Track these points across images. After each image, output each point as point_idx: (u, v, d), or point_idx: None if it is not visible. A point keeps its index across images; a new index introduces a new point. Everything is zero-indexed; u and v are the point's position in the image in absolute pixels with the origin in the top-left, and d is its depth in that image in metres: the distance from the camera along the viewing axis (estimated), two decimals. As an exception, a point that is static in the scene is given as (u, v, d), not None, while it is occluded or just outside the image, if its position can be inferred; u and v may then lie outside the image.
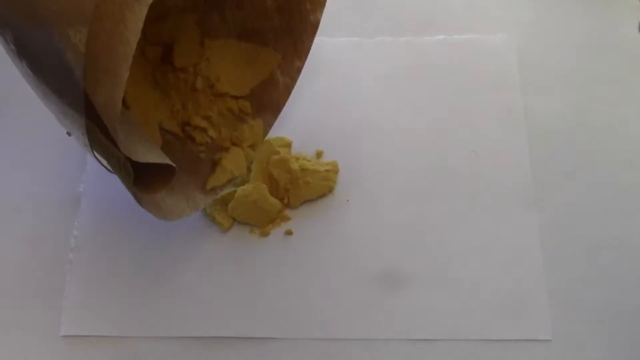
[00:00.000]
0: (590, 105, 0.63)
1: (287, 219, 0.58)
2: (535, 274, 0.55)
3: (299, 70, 0.60)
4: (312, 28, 0.58)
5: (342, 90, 0.64)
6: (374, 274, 0.55)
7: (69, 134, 0.48)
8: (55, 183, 0.60)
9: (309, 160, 0.60)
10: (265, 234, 0.57)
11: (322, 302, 0.55)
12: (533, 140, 0.61)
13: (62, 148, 0.61)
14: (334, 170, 0.60)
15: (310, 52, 0.66)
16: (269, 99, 0.59)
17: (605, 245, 0.56)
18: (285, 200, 0.58)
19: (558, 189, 0.59)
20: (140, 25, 0.37)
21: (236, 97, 0.58)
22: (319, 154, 0.61)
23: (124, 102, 0.47)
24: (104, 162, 0.46)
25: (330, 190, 0.59)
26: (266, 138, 0.60)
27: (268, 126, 0.60)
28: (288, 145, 0.61)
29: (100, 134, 0.44)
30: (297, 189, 0.58)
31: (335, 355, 0.53)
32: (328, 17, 0.68)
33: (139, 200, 0.47)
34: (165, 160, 0.46)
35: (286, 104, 0.61)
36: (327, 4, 0.69)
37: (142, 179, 0.46)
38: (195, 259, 0.56)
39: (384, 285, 0.55)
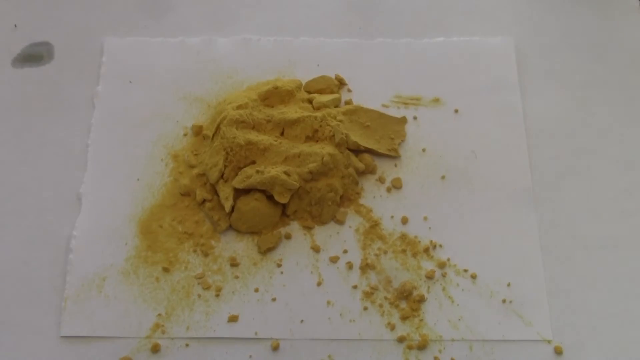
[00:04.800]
0: (589, 106, 0.63)
1: (287, 223, 0.58)
2: (535, 274, 0.55)
3: None
4: None
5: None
6: (372, 275, 0.56)
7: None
8: (55, 183, 0.60)
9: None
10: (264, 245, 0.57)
11: (322, 303, 0.55)
12: (532, 140, 0.61)
13: (62, 148, 0.61)
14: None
15: (310, 53, 0.66)
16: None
17: (605, 245, 0.56)
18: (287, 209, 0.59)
19: (558, 189, 0.59)
20: None
21: None
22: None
23: None
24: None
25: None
26: None
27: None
28: None
29: None
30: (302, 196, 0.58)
31: (335, 354, 0.53)
32: (328, 19, 0.69)
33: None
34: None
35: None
36: (327, 6, 0.70)
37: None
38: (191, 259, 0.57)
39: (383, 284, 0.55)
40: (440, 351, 0.53)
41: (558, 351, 0.52)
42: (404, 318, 0.54)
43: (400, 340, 0.53)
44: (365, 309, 0.54)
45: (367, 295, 0.55)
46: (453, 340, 0.53)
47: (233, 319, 0.54)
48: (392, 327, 0.53)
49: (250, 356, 0.53)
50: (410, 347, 0.53)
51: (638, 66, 0.65)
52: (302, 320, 0.54)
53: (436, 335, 0.53)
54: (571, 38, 0.67)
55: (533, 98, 0.64)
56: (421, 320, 0.54)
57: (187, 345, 0.53)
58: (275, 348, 0.53)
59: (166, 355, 0.53)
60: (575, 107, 0.63)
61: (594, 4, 0.69)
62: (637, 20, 0.68)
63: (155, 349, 0.53)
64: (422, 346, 0.53)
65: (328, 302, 0.55)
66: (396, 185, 0.60)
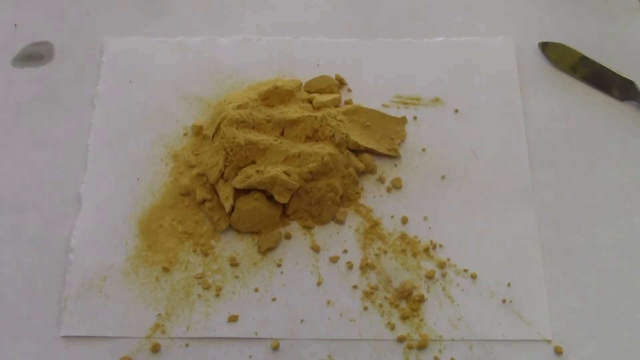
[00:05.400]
0: (589, 106, 0.63)
1: (287, 223, 0.58)
2: (535, 274, 0.55)
3: None
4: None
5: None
6: (372, 274, 0.56)
7: None
8: (55, 183, 0.60)
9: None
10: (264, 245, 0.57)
11: (322, 303, 0.55)
12: (532, 140, 0.61)
13: (62, 148, 0.61)
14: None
15: (310, 53, 0.66)
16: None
17: (605, 245, 0.56)
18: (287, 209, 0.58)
19: (558, 189, 0.59)
20: None
21: None
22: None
23: None
24: None
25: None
26: None
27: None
28: None
29: None
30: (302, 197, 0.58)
31: (335, 354, 0.53)
32: (328, 19, 0.69)
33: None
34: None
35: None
36: (327, 6, 0.70)
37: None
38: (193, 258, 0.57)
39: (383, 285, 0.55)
40: (440, 351, 0.53)
41: (558, 351, 0.52)
42: (404, 318, 0.54)
43: (400, 340, 0.53)
44: (365, 308, 0.54)
45: (367, 295, 0.55)
46: (453, 340, 0.53)
47: (233, 319, 0.54)
48: (392, 327, 0.53)
49: (250, 356, 0.53)
50: (410, 347, 0.53)
51: (638, 66, 0.65)
52: (302, 320, 0.54)
53: (436, 335, 0.53)
54: (571, 38, 0.67)
55: (533, 98, 0.64)
56: (421, 320, 0.54)
57: (187, 345, 0.53)
58: (275, 348, 0.53)
59: (166, 355, 0.53)
60: (575, 106, 0.63)
61: (594, 4, 0.69)
62: (637, 20, 0.68)
63: (155, 349, 0.53)
64: (422, 346, 0.53)
65: (328, 302, 0.55)
66: (396, 185, 0.60)
